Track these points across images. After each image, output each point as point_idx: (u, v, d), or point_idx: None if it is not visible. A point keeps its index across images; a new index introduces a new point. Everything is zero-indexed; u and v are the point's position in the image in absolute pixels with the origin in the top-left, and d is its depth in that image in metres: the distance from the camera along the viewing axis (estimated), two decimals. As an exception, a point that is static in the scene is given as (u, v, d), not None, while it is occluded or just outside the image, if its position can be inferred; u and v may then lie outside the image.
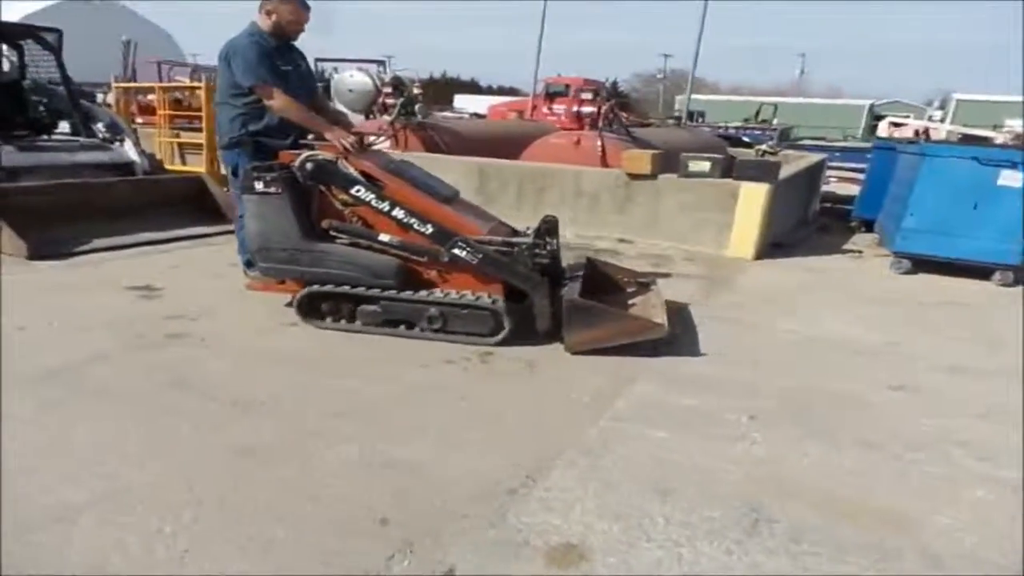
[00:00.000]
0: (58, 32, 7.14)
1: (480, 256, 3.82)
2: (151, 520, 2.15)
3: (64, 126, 7.22)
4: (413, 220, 3.87)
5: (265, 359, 3.53)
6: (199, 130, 8.90)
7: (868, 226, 8.33)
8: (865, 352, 4.07)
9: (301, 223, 3.93)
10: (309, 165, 3.90)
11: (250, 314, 4.21)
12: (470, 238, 3.85)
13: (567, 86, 19.69)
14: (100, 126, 7.10)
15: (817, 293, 5.47)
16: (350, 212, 4.01)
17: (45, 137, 7.00)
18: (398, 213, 3.88)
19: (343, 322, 4.00)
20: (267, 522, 2.17)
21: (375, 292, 3.89)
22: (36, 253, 5.08)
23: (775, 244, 7.00)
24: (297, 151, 4.04)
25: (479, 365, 3.59)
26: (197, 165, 8.76)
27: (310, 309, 4.02)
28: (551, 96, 19.79)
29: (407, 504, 2.31)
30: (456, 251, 3.82)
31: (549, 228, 4.01)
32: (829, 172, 11.33)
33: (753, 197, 6.41)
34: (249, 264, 4.52)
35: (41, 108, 7.16)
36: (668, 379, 3.51)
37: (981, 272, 6.03)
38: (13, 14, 20.30)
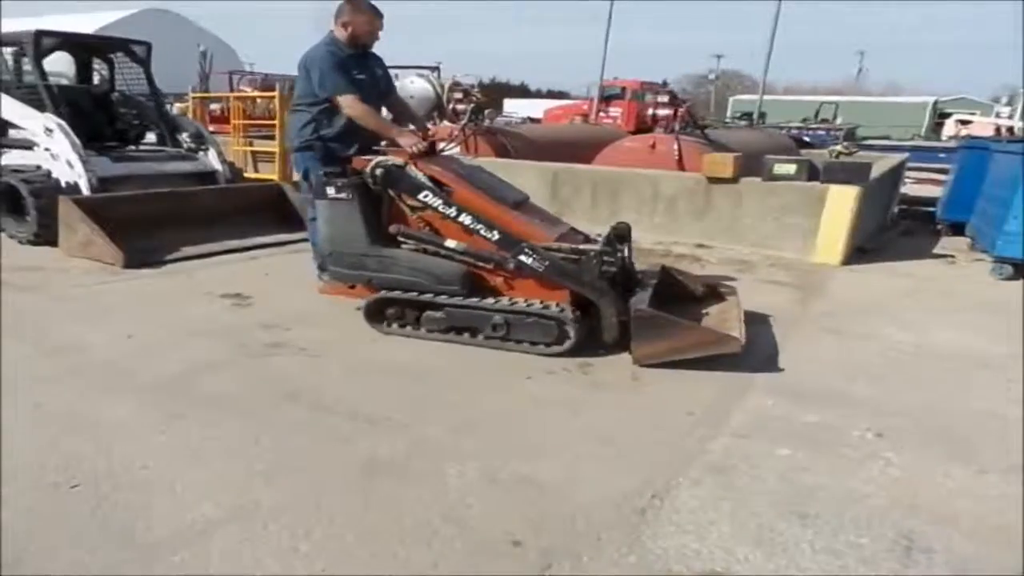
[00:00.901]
0: (147, 45, 7.33)
1: (546, 264, 3.73)
2: (285, 538, 2.12)
3: (151, 136, 7.41)
4: (480, 226, 3.82)
5: (372, 370, 3.50)
6: (271, 138, 9.04)
7: (955, 229, 7.96)
8: (985, 363, 3.85)
9: (369, 228, 3.97)
10: (379, 171, 3.94)
11: (344, 322, 4.20)
12: (537, 245, 3.77)
13: (623, 89, 19.53)
14: (185, 136, 7.26)
15: (918, 300, 5.22)
16: (417, 218, 3.99)
17: (134, 148, 7.19)
18: (465, 219, 3.84)
19: (408, 328, 3.99)
20: (400, 541, 2.12)
21: (441, 298, 3.87)
22: (131, 261, 5.19)
23: (860, 249, 6.74)
24: (369, 157, 4.07)
25: (581, 376, 3.50)
26: (269, 172, 8.90)
27: (377, 314, 4.03)
28: (607, 99, 19.65)
29: (539, 525, 2.23)
30: (522, 258, 3.74)
31: (620, 235, 3.96)
32: (905, 173, 10.90)
33: (842, 200, 6.17)
34: (322, 268, 4.56)
35: (130, 119, 7.34)
36: (782, 392, 3.36)
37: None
38: (80, 27, 21.11)
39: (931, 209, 8.87)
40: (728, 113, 33.66)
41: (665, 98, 12.07)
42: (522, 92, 56.26)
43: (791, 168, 6.43)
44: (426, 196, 3.89)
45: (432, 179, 3.96)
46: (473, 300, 3.84)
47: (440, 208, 3.87)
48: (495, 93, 45.72)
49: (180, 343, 3.76)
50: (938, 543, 2.20)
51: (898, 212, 9.67)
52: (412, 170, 3.97)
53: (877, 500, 2.44)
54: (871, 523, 2.30)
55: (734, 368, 3.63)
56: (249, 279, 5.12)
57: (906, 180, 10.92)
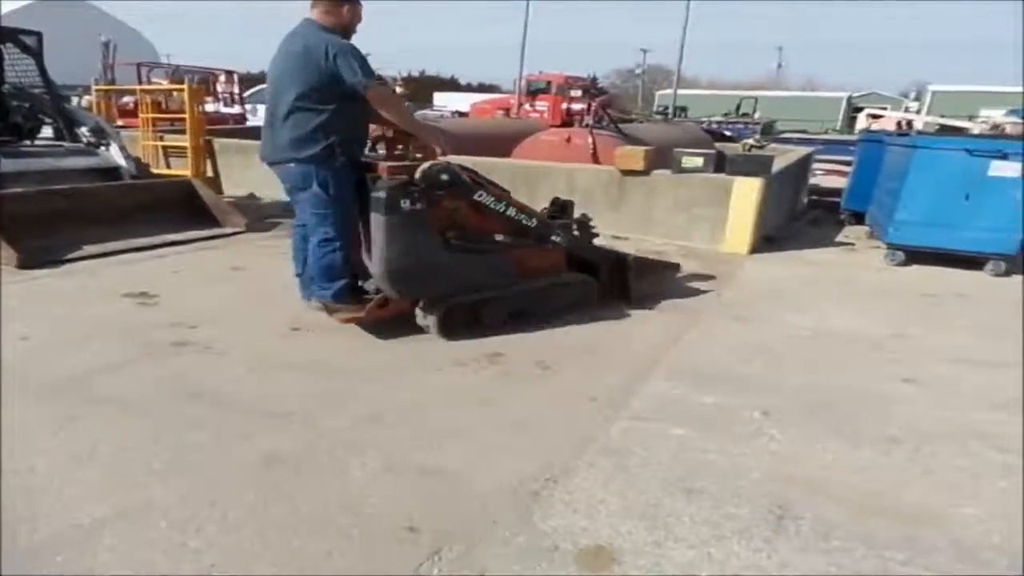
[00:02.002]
0: (38, 35, 6.99)
1: (569, 239, 4.36)
2: (176, 535, 2.10)
3: (47, 131, 7.08)
4: (523, 216, 4.14)
5: (279, 367, 3.47)
6: (182, 132, 8.75)
7: (858, 218, 8.39)
8: (874, 345, 4.10)
9: (437, 236, 3.86)
10: (444, 176, 3.78)
11: (253, 320, 4.15)
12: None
13: (549, 83, 19.70)
14: (84, 130, 6.97)
15: (817, 287, 5.50)
16: (447, 217, 3.92)
17: (28, 143, 6.87)
18: (511, 211, 4.08)
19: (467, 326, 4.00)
20: (294, 533, 2.14)
21: (505, 290, 4.13)
22: (27, 261, 4.98)
23: (768, 238, 7.04)
24: (405, 163, 3.88)
25: (490, 367, 3.56)
26: (182, 168, 8.63)
27: (451, 321, 3.93)
28: (533, 93, 19.79)
29: (436, 511, 2.28)
30: (555, 237, 4.29)
31: (565, 207, 4.54)
32: (815, 165, 11.40)
33: (747, 192, 6.42)
34: (339, 294, 3.97)
35: (22, 113, 7.00)
36: (682, 376, 3.50)
37: (974, 262, 6.10)
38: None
39: (838, 200, 9.31)
40: (654, 107, 34.35)
41: (579, 92, 12.23)
42: (453, 86, 56.07)
43: (698, 161, 6.66)
44: (480, 195, 3.96)
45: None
46: (525, 284, 4.22)
47: (492, 204, 4.02)
48: (425, 86, 45.42)
49: (78, 344, 3.64)
50: (808, 511, 2.35)
51: (807, 202, 10.12)
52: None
53: (758, 474, 2.59)
54: (750, 495, 2.44)
55: (639, 354, 3.77)
56: (155, 278, 4.98)
57: (816, 172, 11.42)
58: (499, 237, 4.07)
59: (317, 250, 3.91)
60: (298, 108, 3.73)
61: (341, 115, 3.76)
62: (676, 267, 5.22)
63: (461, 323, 3.95)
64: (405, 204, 3.65)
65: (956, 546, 2.18)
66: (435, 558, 2.05)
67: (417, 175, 3.72)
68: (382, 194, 3.63)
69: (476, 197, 3.95)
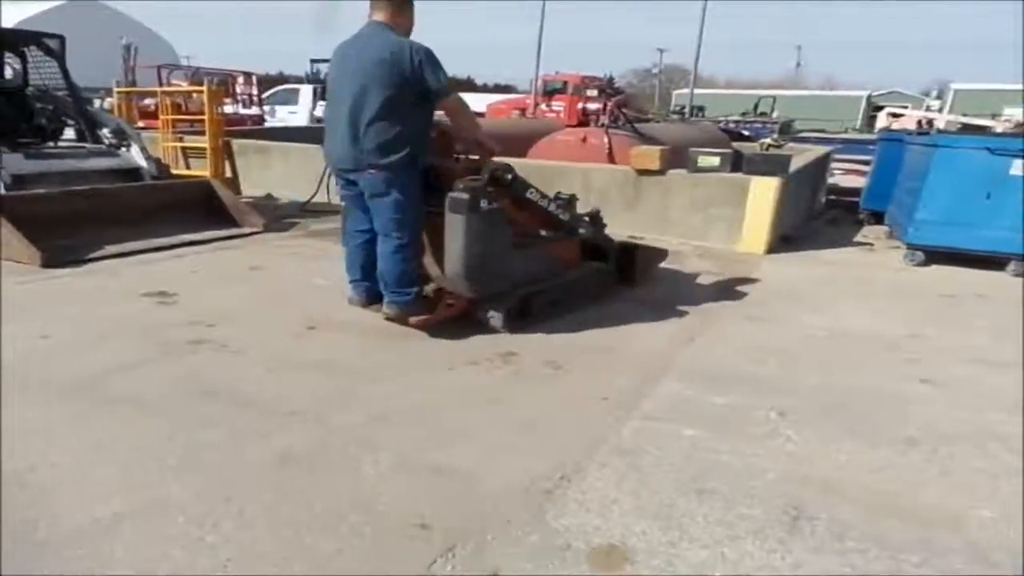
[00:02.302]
0: (60, 38, 7.10)
1: (592, 229, 4.65)
2: (192, 531, 2.13)
3: (70, 132, 7.19)
4: (560, 210, 4.40)
5: (294, 366, 3.50)
6: (201, 133, 8.85)
7: (876, 218, 8.31)
8: (891, 346, 4.06)
9: (509, 234, 4.02)
10: (509, 175, 3.99)
11: (269, 319, 4.19)
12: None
13: (565, 83, 19.68)
14: (106, 131, 7.07)
15: (834, 287, 5.46)
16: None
17: (51, 144, 6.98)
18: (552, 207, 4.32)
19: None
20: (307, 530, 2.16)
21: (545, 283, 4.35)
22: (50, 261, 5.05)
23: (785, 238, 6.99)
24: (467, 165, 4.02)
25: (503, 366, 3.57)
26: (201, 169, 8.73)
27: (517, 313, 4.13)
28: (549, 93, 19.78)
29: (448, 509, 2.29)
30: (582, 229, 4.57)
31: (570, 202, 4.62)
32: (833, 164, 11.31)
33: (764, 191, 6.39)
34: (413, 301, 3.93)
35: (46, 115, 7.11)
36: (694, 377, 3.49)
37: (995, 263, 6.01)
38: (6, 19, 20.25)
39: (857, 199, 9.23)
40: (671, 106, 34.22)
41: (595, 92, 12.19)
42: (469, 86, 56.18)
43: (715, 160, 6.63)
44: (532, 193, 4.18)
45: None
46: (562, 275, 4.53)
47: (540, 201, 4.24)
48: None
49: (97, 343, 3.70)
50: (823, 512, 2.34)
51: (826, 202, 10.04)
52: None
53: (772, 474, 2.58)
54: (764, 496, 2.43)
55: (651, 355, 3.77)
56: (174, 277, 5.04)
57: (834, 171, 11.32)
58: (543, 232, 4.37)
59: (393, 256, 3.84)
60: (384, 115, 3.66)
61: (419, 121, 3.79)
62: (665, 253, 5.60)
63: (517, 315, 4.11)
64: (484, 204, 3.75)
65: (971, 548, 2.16)
66: (448, 555, 2.06)
67: (487, 175, 3.83)
68: (464, 195, 3.68)
69: (528, 195, 4.12)
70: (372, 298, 4.08)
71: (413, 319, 3.93)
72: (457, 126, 4.10)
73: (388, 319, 3.99)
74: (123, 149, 6.93)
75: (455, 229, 3.73)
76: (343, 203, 4.14)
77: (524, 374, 3.48)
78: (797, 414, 3.09)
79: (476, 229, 3.73)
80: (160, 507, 2.25)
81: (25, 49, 7.13)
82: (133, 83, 13.55)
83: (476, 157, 4.10)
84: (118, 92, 10.52)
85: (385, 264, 3.88)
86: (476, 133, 4.11)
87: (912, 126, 13.95)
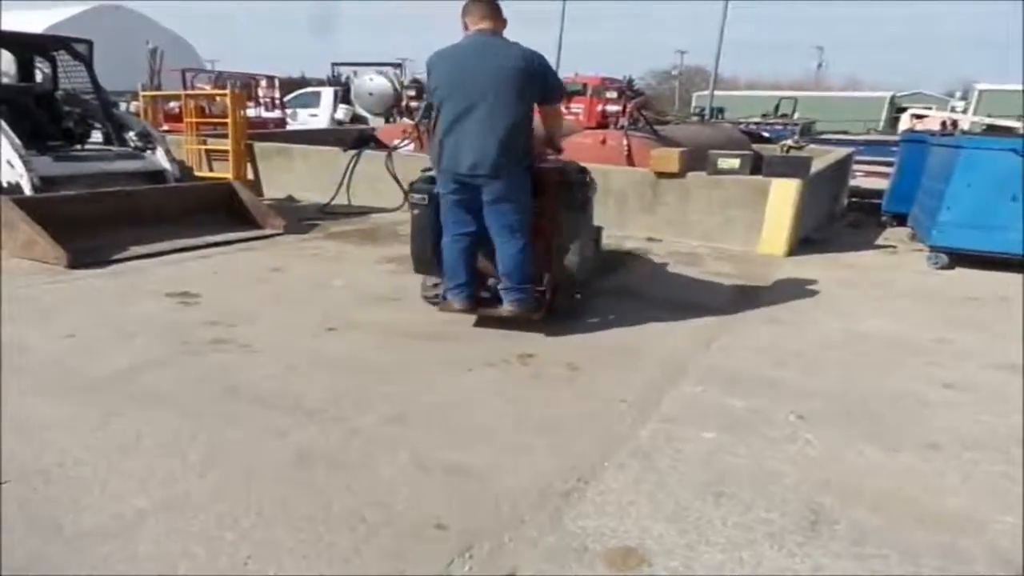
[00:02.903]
0: (89, 43, 7.23)
1: None
2: (213, 528, 2.16)
3: (97, 135, 7.32)
4: None
5: (314, 365, 3.53)
6: (224, 136, 8.96)
7: (899, 220, 8.21)
8: (914, 350, 4.01)
9: None
10: (581, 172, 4.27)
11: (290, 320, 4.24)
12: None
13: (584, 85, 19.63)
14: (132, 135, 7.18)
15: (855, 289, 5.40)
16: None
17: (79, 147, 7.10)
18: None
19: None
20: (325, 528, 2.18)
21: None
22: (76, 261, 5.14)
23: (806, 240, 6.93)
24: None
25: (521, 367, 3.58)
26: (224, 171, 8.83)
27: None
28: (568, 95, 19.72)
29: (465, 509, 2.30)
30: None
31: None
32: (855, 166, 11.20)
33: (784, 193, 6.34)
34: (522, 295, 4.02)
35: (74, 118, 7.24)
36: (713, 379, 3.48)
37: (1020, 266, 5.92)
38: (32, 25, 20.61)
39: (879, 201, 9.12)
40: (691, 108, 34.05)
41: (614, 94, 12.15)
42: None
43: (735, 163, 6.60)
44: None
45: None
46: None
47: None
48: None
49: (122, 342, 3.76)
50: (843, 516, 2.32)
51: (847, 204, 9.93)
52: None
53: (791, 478, 2.56)
54: (783, 499, 2.42)
55: (670, 357, 3.76)
56: (197, 278, 5.11)
57: (856, 173, 11.21)
58: None
59: (518, 256, 3.95)
60: (520, 122, 3.81)
61: (531, 125, 3.96)
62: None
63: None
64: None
65: (993, 555, 2.13)
66: (465, 556, 2.07)
67: (586, 176, 4.25)
68: (590, 195, 4.24)
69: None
70: (473, 303, 4.13)
71: (535, 315, 4.07)
72: (556, 128, 4.26)
73: (507, 318, 4.06)
74: (148, 152, 7.04)
75: (581, 225, 4.16)
76: (446, 207, 4.03)
77: (542, 375, 3.49)
78: (817, 417, 3.07)
79: (588, 223, 4.25)
80: (182, 504, 2.28)
81: (55, 54, 7.27)
82: (158, 87, 13.75)
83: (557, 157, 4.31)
84: (143, 96, 10.67)
85: (512, 264, 3.96)
86: (560, 136, 4.37)
87: (936, 127, 13.77)
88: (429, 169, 4.13)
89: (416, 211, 4.17)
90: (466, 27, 3.91)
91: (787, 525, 2.27)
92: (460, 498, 2.37)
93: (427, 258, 4.23)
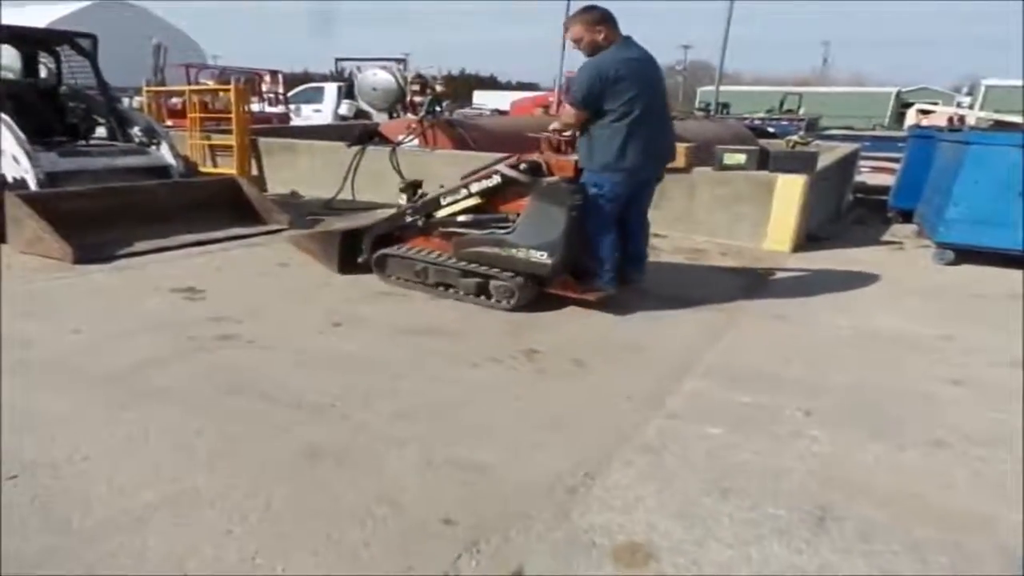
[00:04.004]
0: (93, 37, 7.22)
1: None
2: (221, 523, 2.16)
3: (101, 131, 7.31)
4: None
5: (320, 361, 3.53)
6: (228, 132, 8.97)
7: (905, 216, 8.18)
8: (920, 346, 4.00)
9: None
10: None
11: (296, 315, 4.24)
12: None
13: (589, 81, 19.60)
14: (136, 130, 7.18)
15: (861, 286, 5.38)
16: None
17: (83, 142, 7.10)
18: None
19: None
20: (333, 523, 2.18)
21: None
22: (81, 257, 5.15)
23: (812, 236, 6.91)
24: None
25: (527, 364, 3.57)
26: (228, 167, 8.85)
27: None
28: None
29: (472, 505, 2.30)
30: None
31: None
32: (861, 162, 11.16)
33: (790, 189, 6.32)
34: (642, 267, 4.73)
35: (78, 114, 7.24)
36: (719, 376, 3.47)
37: (1028, 262, 5.90)
38: (38, 19, 20.61)
39: (885, 197, 9.08)
40: (696, 104, 33.98)
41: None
42: (492, 84, 56.21)
43: (741, 158, 6.58)
44: None
45: None
46: None
47: None
48: (464, 85, 45.63)
49: (128, 337, 3.76)
50: (850, 513, 2.31)
51: (853, 200, 9.90)
52: None
53: (798, 474, 2.56)
54: (790, 496, 2.41)
55: (676, 353, 3.76)
56: (202, 274, 5.11)
57: (862, 169, 11.17)
58: None
59: (647, 238, 4.74)
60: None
61: None
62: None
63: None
64: None
65: (1002, 552, 2.13)
66: (472, 551, 2.08)
67: None
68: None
69: None
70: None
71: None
72: None
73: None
74: (153, 147, 7.03)
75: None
76: (610, 204, 4.30)
77: (548, 371, 3.49)
78: (823, 414, 3.06)
79: None
80: (189, 499, 2.29)
81: (59, 49, 7.27)
82: (162, 82, 13.74)
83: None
84: (147, 91, 10.67)
85: (642, 246, 4.70)
86: None
87: (943, 123, 13.72)
88: (527, 172, 4.29)
89: (574, 213, 4.16)
90: (607, 37, 4.18)
91: (794, 521, 2.26)
92: (467, 494, 2.38)
93: (572, 258, 4.30)
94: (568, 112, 4.36)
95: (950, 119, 14.39)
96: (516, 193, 4.35)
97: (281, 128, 12.40)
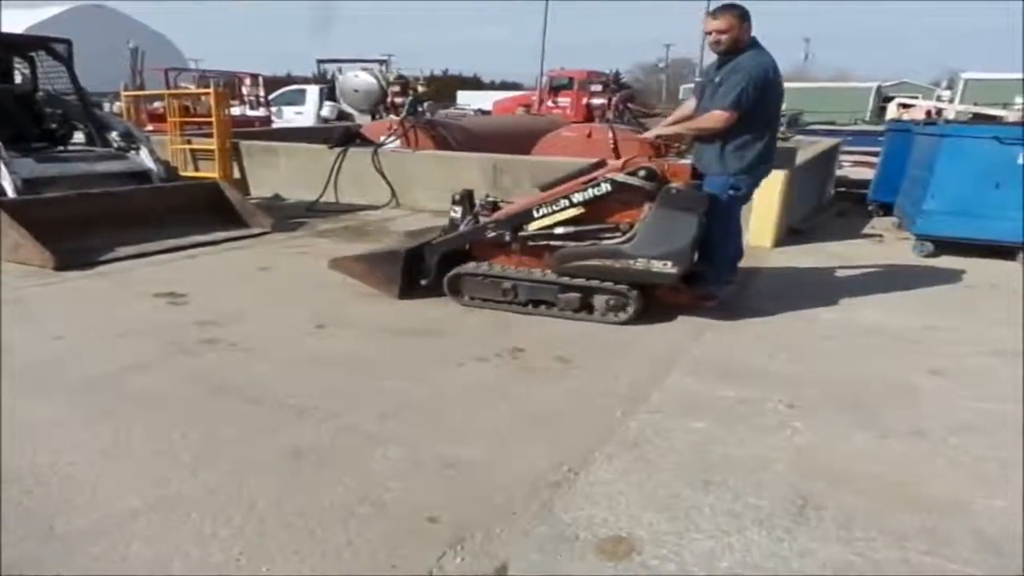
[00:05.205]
0: (68, 42, 7.16)
1: None
2: (205, 525, 2.16)
3: (79, 136, 7.25)
4: None
5: (304, 363, 3.53)
6: (209, 135, 8.91)
7: (886, 209, 8.26)
8: (903, 337, 4.04)
9: None
10: None
11: (279, 318, 4.23)
12: None
13: (571, 79, 19.65)
14: (115, 135, 7.12)
15: (843, 279, 5.44)
16: None
17: (61, 148, 7.04)
18: None
19: None
20: (317, 523, 2.18)
21: None
22: (63, 264, 5.11)
23: (793, 230, 6.96)
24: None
25: (512, 362, 3.59)
26: (210, 171, 8.79)
27: None
28: (555, 89, 19.76)
29: (456, 502, 2.31)
30: None
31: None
32: (842, 156, 11.25)
33: (770, 184, 6.31)
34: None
35: (56, 119, 7.18)
36: (703, 370, 3.50)
37: (1005, 252, 5.98)
38: (14, 25, 20.37)
39: (865, 191, 9.17)
40: (679, 101, 34.08)
41: (599, 87, 12.16)
42: (476, 84, 56.16)
43: (721, 154, 6.59)
44: None
45: None
46: None
47: None
48: (448, 85, 45.55)
49: (111, 343, 3.74)
50: (831, 502, 2.34)
51: (834, 194, 9.98)
52: None
53: (780, 465, 2.59)
54: (772, 486, 2.44)
55: (660, 349, 3.78)
56: (185, 278, 5.08)
57: (843, 163, 11.26)
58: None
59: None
60: None
61: None
62: None
63: None
64: None
65: (979, 537, 2.16)
66: (456, 548, 2.08)
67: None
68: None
69: None
70: None
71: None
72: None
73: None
74: (132, 152, 6.98)
75: None
76: (742, 207, 4.48)
77: (533, 369, 3.50)
78: (806, 406, 3.09)
79: None
80: (174, 503, 2.28)
81: (34, 54, 7.20)
82: (141, 86, 13.65)
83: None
84: (125, 96, 10.59)
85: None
86: None
87: (922, 116, 13.85)
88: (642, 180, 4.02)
89: (704, 220, 4.02)
90: (749, 35, 4.14)
91: (775, 511, 2.29)
92: (452, 491, 2.38)
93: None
94: (716, 116, 4.03)
95: (928, 112, 14.53)
96: (622, 201, 4.10)
97: (263, 131, 12.33)
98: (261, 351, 3.66)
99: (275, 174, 9.16)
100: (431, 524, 2.19)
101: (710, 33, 4.13)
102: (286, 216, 7.51)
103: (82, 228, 5.57)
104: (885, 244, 6.90)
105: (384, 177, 8.36)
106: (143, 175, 6.81)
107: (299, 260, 5.77)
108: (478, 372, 3.46)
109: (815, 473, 2.54)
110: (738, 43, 4.08)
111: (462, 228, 4.52)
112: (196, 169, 9.05)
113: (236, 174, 9.00)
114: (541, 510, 2.28)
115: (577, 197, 4.13)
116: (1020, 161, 5.80)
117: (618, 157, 8.10)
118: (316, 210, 8.08)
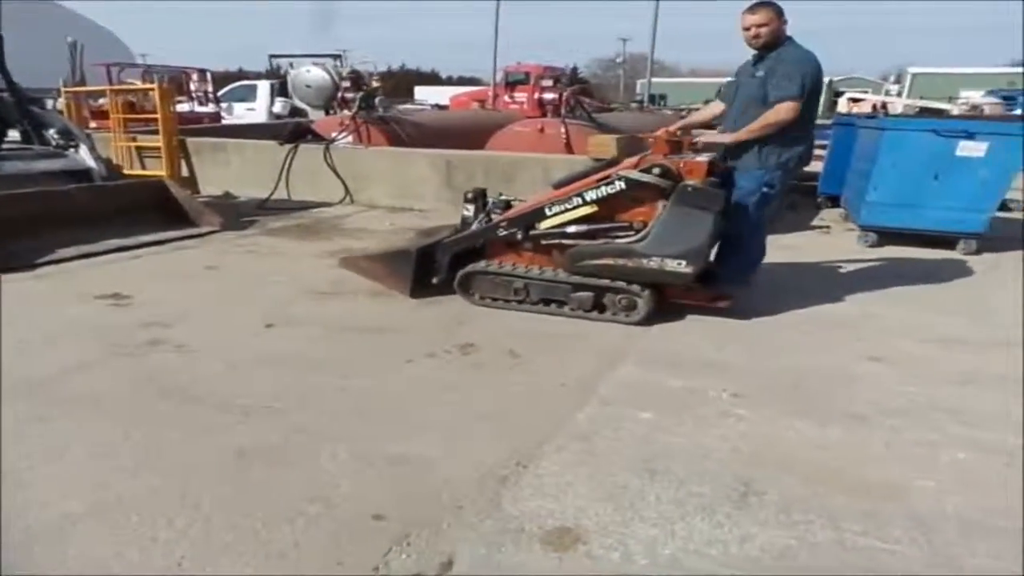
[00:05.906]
0: (-2, 37, 6.91)
1: None
2: (147, 529, 2.12)
3: (14, 134, 7.01)
4: None
5: (252, 363, 3.47)
6: (156, 132, 8.70)
7: (834, 201, 8.47)
8: (844, 326, 4.15)
9: None
10: None
11: (227, 318, 4.16)
12: None
13: (527, 74, 19.66)
14: (52, 132, 6.90)
15: (791, 271, 5.55)
16: None
17: (-6, 147, 6.80)
18: None
19: None
20: (263, 524, 2.16)
21: None
22: (1, 265, 4.93)
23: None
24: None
25: (461, 358, 3.59)
26: (157, 169, 8.58)
27: None
28: (511, 85, 19.75)
29: (404, 499, 2.31)
30: None
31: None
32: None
33: (721, 178, 6.45)
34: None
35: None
36: (652, 362, 3.55)
37: (945, 242, 6.19)
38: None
39: (815, 184, 9.37)
40: (636, 95, 34.38)
41: (550, 82, 12.18)
42: (433, 79, 55.86)
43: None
44: None
45: None
46: None
47: None
48: (405, 80, 45.18)
49: (50, 345, 3.63)
50: (772, 487, 2.40)
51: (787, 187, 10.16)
52: None
53: (723, 453, 2.64)
54: (715, 474, 2.49)
55: (610, 342, 3.82)
56: (129, 279, 4.96)
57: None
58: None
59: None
60: None
61: None
62: None
63: None
64: None
65: (911, 517, 2.24)
66: (403, 544, 2.08)
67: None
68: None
69: None
70: None
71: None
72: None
73: None
74: (71, 150, 6.78)
75: None
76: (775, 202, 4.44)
77: (483, 364, 3.51)
78: (751, 395, 3.16)
79: None
80: (115, 506, 2.23)
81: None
82: (82, 82, 13.19)
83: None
84: (66, 92, 10.25)
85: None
86: None
87: (870, 110, 14.24)
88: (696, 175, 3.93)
89: (721, 218, 3.96)
90: (785, 27, 4.19)
91: (718, 498, 2.34)
92: (400, 489, 2.38)
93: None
94: (786, 107, 3.99)
95: (873, 106, 14.93)
96: (636, 199, 4.02)
97: (212, 128, 12.07)
98: (208, 352, 3.60)
99: (225, 171, 8.99)
100: (378, 522, 2.19)
101: (748, 28, 4.16)
102: (237, 214, 7.38)
103: (19, 229, 5.35)
104: (832, 235, 7.07)
105: (337, 174, 8.27)
106: (83, 174, 6.61)
107: (249, 259, 5.68)
108: (427, 368, 3.46)
109: (757, 460, 2.59)
110: (778, 37, 4.16)
111: (474, 227, 4.49)
112: (143, 167, 8.82)
113: (185, 172, 8.81)
114: (489, 504, 2.29)
115: (590, 195, 4.06)
116: (958, 153, 5.99)
117: (570, 151, 8.18)
118: (268, 208, 7.95)
